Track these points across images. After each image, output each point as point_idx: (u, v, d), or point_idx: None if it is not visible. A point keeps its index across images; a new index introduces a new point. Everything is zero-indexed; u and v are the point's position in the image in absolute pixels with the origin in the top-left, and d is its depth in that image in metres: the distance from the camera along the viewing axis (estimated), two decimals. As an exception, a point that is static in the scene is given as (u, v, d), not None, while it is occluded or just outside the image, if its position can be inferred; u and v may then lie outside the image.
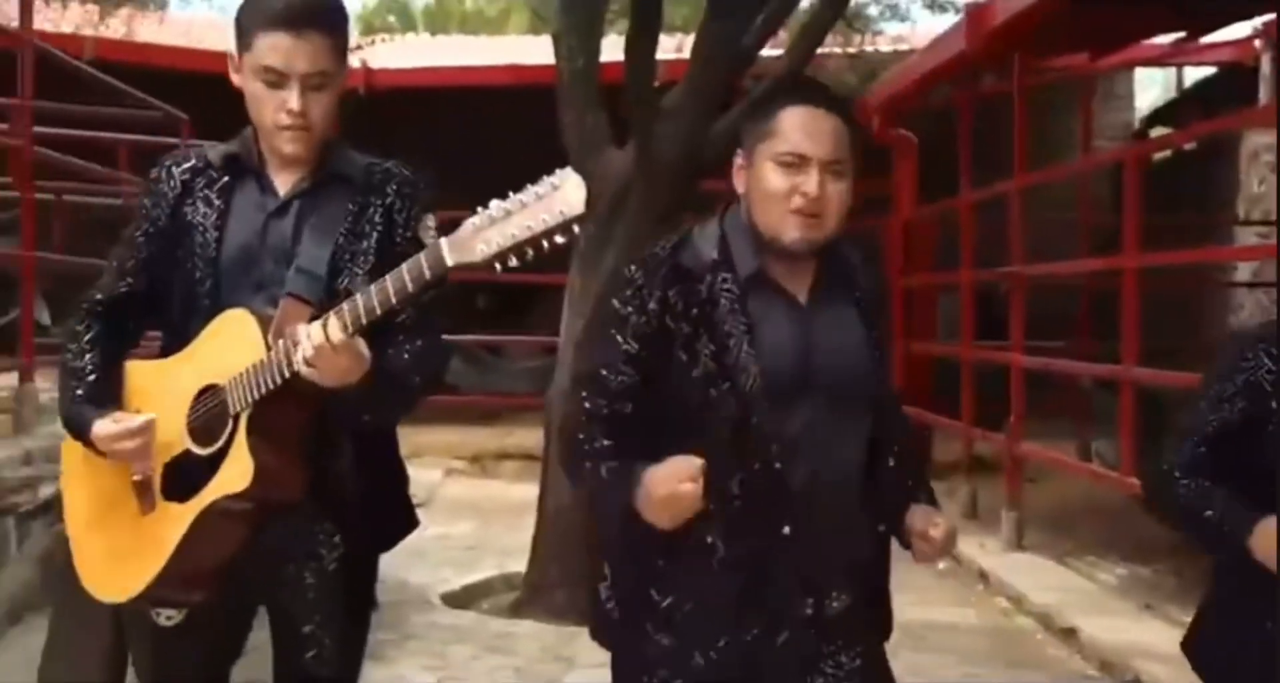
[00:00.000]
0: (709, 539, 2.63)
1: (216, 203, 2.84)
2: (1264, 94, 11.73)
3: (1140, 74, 15.89)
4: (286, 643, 2.94)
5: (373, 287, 2.50)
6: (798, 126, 2.63)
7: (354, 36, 14.31)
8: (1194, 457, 2.94)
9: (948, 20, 11.38)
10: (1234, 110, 11.99)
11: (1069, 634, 6.58)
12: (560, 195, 2.33)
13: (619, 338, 2.66)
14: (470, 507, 9.49)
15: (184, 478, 2.76)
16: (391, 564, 7.53)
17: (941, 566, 8.52)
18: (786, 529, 2.64)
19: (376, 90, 12.68)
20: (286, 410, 2.67)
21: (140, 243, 2.91)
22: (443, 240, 2.41)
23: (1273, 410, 2.87)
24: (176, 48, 12.91)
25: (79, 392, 2.85)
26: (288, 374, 2.59)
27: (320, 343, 2.52)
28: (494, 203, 2.37)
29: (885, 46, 12.42)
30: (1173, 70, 14.84)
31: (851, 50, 12.02)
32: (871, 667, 2.81)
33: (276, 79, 2.76)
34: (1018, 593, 7.38)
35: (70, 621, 4.03)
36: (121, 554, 2.85)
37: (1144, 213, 6.91)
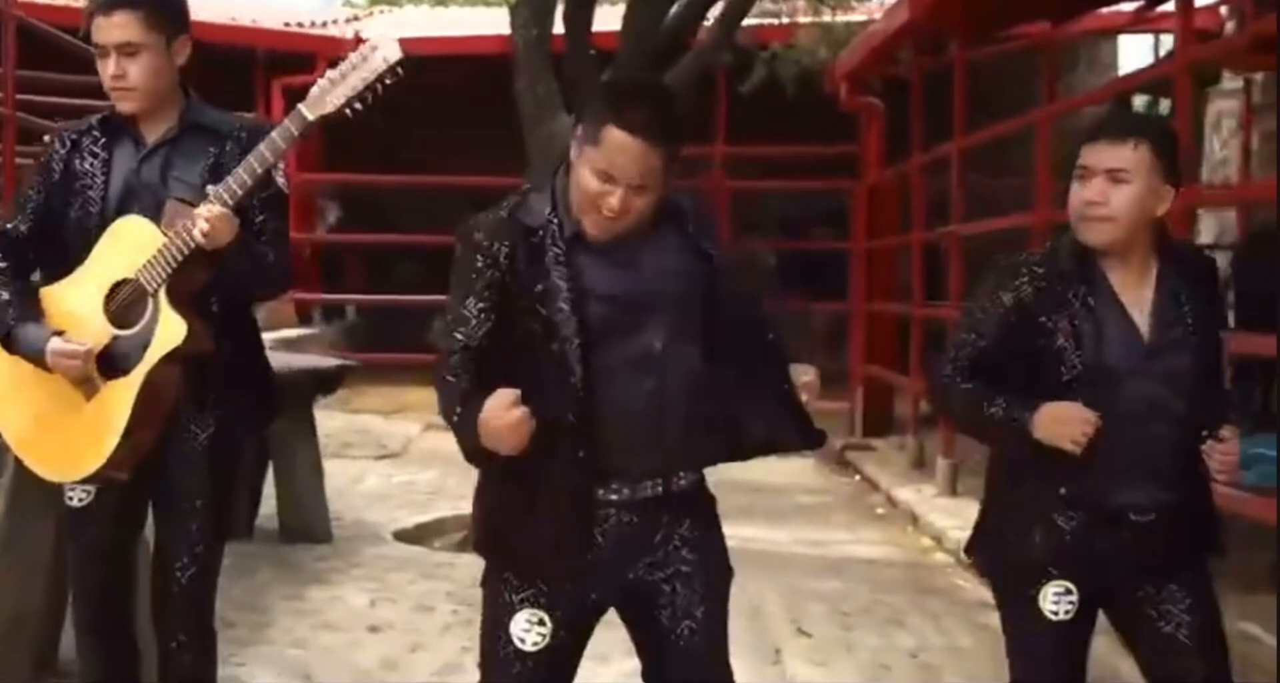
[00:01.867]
0: (544, 462, 2.95)
1: (101, 155, 3.55)
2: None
3: (1126, 41, 16.15)
4: (168, 515, 3.55)
5: (250, 156, 3.29)
6: (615, 150, 2.89)
7: (353, 9, 14.74)
8: (972, 365, 3.31)
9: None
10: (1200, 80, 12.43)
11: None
12: (379, 53, 3.23)
13: (471, 286, 2.98)
14: (440, 458, 9.95)
15: (112, 363, 3.40)
16: (353, 505, 8.23)
17: (879, 510, 9.01)
18: (618, 451, 2.97)
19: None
20: (191, 278, 3.36)
21: (37, 192, 3.60)
22: (300, 105, 3.27)
23: (1038, 323, 3.22)
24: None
25: (13, 313, 3.48)
26: (192, 246, 3.27)
27: (220, 211, 3.25)
28: (328, 71, 3.26)
29: (858, 17, 12.76)
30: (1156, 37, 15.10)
31: (824, 20, 12.36)
32: (712, 545, 3.13)
33: (100, 51, 3.49)
34: (938, 531, 7.83)
35: (18, 519, 4.52)
36: (77, 439, 3.45)
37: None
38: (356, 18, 14.54)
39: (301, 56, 13.88)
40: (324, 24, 14.57)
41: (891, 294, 11.63)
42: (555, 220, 2.99)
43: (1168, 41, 14.90)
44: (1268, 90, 10.85)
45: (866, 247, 11.65)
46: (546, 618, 3.01)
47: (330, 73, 3.26)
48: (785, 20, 12.50)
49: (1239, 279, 9.53)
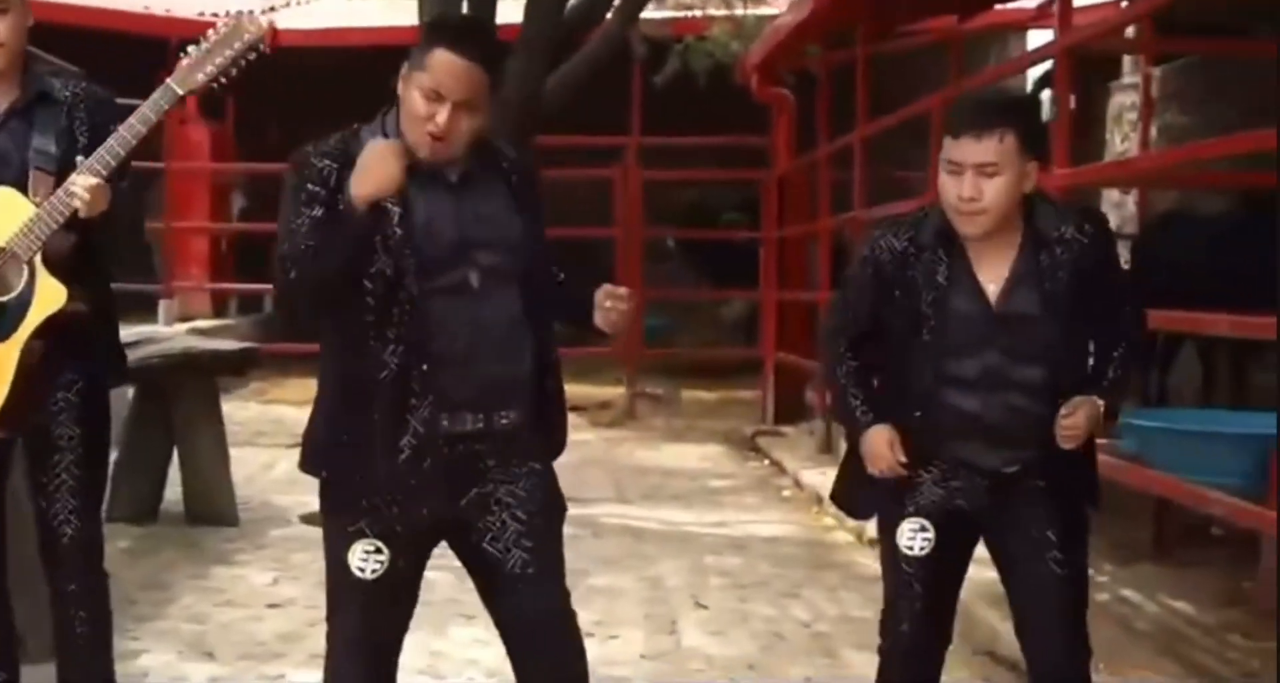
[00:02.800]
0: (372, 388, 3.12)
1: None
2: (1127, 60, 12.27)
3: (1037, 36, 16.32)
4: (44, 469, 3.64)
5: (121, 128, 3.42)
6: (442, 69, 3.08)
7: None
8: (852, 337, 3.49)
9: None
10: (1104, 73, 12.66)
11: (876, 544, 7.14)
12: (240, 25, 3.46)
13: (298, 204, 3.13)
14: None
15: None
16: (263, 490, 8.26)
17: (786, 493, 9.14)
18: (445, 374, 3.11)
19: (281, 50, 13.17)
20: (63, 245, 3.48)
21: None
22: (169, 80, 3.42)
23: (895, 294, 3.37)
24: (70, 5, 13.27)
25: None
26: (68, 214, 3.39)
27: (96, 182, 3.36)
28: (191, 47, 3.42)
29: (769, 9, 12.90)
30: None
31: (735, 13, 12.50)
32: (540, 481, 3.26)
33: None
34: (839, 512, 7.94)
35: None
36: None
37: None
38: (274, 8, 14.46)
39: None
40: (239, 14, 14.51)
41: (802, 283, 11.78)
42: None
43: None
44: (1166, 83, 11.05)
45: (777, 236, 11.77)
46: (383, 546, 3.13)
47: (196, 48, 3.39)
48: (698, 13, 12.62)
49: (1139, 267, 9.73)
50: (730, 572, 6.72)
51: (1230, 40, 9.84)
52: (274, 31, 12.10)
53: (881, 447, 3.37)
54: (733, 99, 12.47)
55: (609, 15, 7.76)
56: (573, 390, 12.68)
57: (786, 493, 9.11)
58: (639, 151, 13.03)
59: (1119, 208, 12.42)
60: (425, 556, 3.28)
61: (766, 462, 10.39)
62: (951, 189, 3.25)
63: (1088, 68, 13.52)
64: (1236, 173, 8.79)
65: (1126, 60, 12.41)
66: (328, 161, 3.12)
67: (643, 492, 9.01)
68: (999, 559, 3.49)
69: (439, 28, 3.31)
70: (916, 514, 3.39)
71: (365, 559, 3.13)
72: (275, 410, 11.79)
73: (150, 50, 12.95)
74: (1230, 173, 8.73)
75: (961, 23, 11.57)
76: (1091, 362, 3.41)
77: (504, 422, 3.17)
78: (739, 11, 12.55)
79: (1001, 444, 3.34)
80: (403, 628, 3.32)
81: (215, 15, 13.61)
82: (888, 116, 8.96)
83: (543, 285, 3.26)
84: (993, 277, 3.31)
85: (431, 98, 3.07)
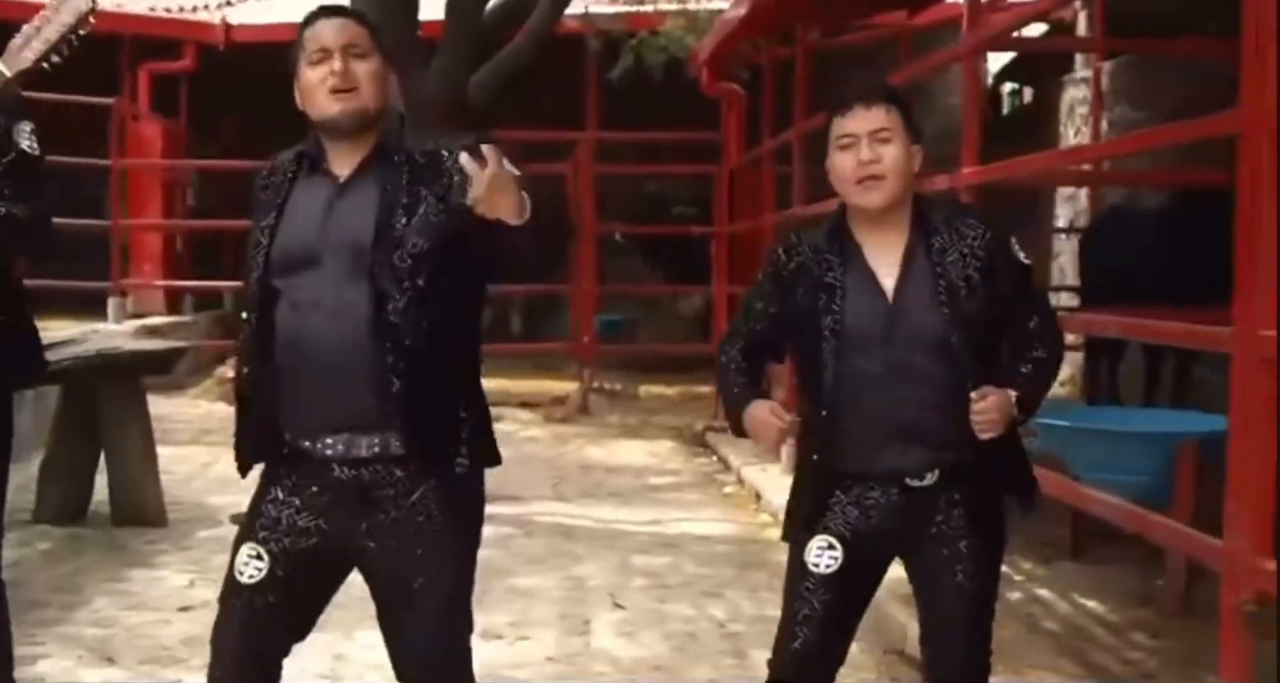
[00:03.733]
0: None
1: None
2: (1079, 56, 12.32)
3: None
4: None
5: None
6: (318, 31, 3.14)
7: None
8: (748, 347, 3.43)
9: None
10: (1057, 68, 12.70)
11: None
12: (70, 4, 3.46)
13: (253, 215, 3.20)
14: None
15: None
16: (197, 490, 8.22)
17: (728, 489, 9.14)
18: (304, 378, 3.06)
19: (234, 46, 13.31)
20: None
21: None
22: None
23: (797, 299, 3.31)
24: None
25: None
26: None
27: None
28: (24, 27, 3.42)
29: (721, 3, 12.89)
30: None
31: (688, 7, 12.49)
32: (446, 509, 3.16)
33: None
34: (776, 509, 7.94)
35: None
36: None
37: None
38: (229, 3, 14.47)
39: (169, 42, 13.84)
40: (194, 9, 14.50)
41: (753, 277, 11.74)
42: (305, 153, 3.20)
43: (1029, 30, 15.19)
44: (1116, 78, 11.06)
45: (728, 231, 11.78)
46: (264, 554, 3.11)
47: (25, 28, 3.40)
48: (650, 8, 12.62)
49: (1086, 260, 9.74)
50: (655, 571, 6.72)
51: (1173, 38, 9.85)
52: (227, 26, 11.99)
53: (763, 413, 3.26)
54: (690, 94, 12.48)
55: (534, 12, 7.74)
56: (527, 386, 12.74)
57: (728, 490, 9.11)
58: (594, 147, 12.99)
59: (1071, 201, 12.46)
60: (320, 577, 3.20)
61: (714, 458, 10.39)
62: (848, 161, 3.23)
63: (1044, 63, 13.68)
64: (1154, 171, 8.87)
65: (1079, 54, 12.46)
66: (276, 174, 3.21)
67: (583, 489, 9.00)
68: (910, 569, 3.42)
69: (303, 20, 3.27)
70: (827, 532, 3.32)
71: (247, 563, 3.12)
72: (223, 408, 11.75)
73: (102, 46, 12.98)
74: (1141, 171, 8.80)
75: (911, 18, 11.63)
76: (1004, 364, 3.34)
77: (374, 448, 3.08)
78: (692, 5, 12.52)
79: (914, 443, 3.26)
80: (280, 642, 3.23)
81: (168, 11, 13.53)
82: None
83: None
84: (887, 270, 3.28)
85: (318, 60, 3.11)
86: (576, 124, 13.43)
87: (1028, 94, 14.81)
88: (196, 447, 9.75)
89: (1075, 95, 12.45)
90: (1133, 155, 8.67)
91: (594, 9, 12.70)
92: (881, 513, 3.30)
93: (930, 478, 3.28)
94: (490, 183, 2.87)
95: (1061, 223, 12.46)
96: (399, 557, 3.12)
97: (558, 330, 13.95)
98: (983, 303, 3.24)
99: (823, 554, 3.32)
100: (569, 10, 12.31)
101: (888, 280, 3.28)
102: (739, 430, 3.37)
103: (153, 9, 14.16)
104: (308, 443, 3.08)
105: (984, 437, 3.18)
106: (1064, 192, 12.49)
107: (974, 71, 5.59)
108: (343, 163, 3.14)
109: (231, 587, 3.15)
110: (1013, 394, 3.21)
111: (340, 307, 3.02)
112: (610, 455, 10.46)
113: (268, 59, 14.34)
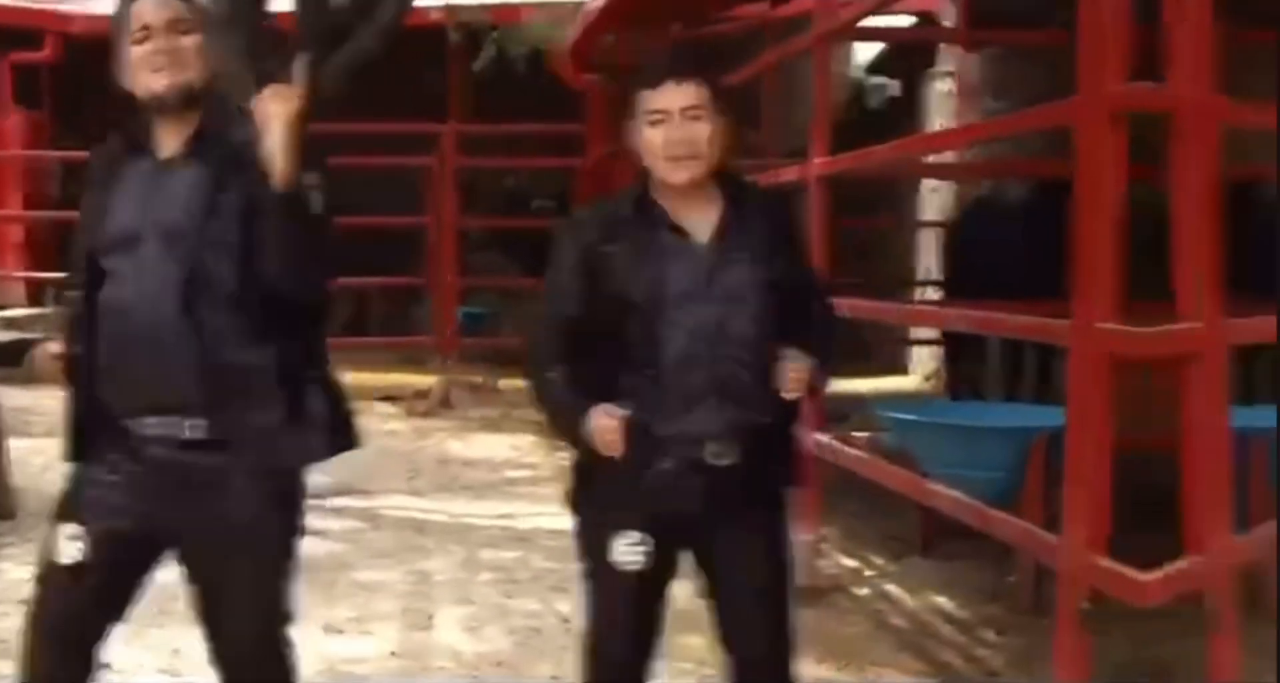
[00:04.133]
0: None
1: None
2: (943, 48, 12.36)
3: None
4: None
5: None
6: (140, 7, 3.06)
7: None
8: (551, 345, 3.32)
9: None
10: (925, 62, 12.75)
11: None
12: None
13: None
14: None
15: None
16: (50, 482, 7.75)
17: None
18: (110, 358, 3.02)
19: (102, 38, 12.94)
20: None
21: None
22: None
23: (603, 267, 3.23)
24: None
25: None
26: None
27: None
28: None
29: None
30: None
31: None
32: (256, 500, 3.09)
33: None
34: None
35: None
36: None
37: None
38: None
39: (30, 32, 13.50)
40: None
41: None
42: (131, 132, 3.15)
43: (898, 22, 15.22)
44: (981, 71, 11.12)
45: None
46: (81, 534, 3.05)
47: None
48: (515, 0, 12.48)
49: (950, 254, 9.77)
50: (504, 566, 6.59)
51: (1034, 30, 9.87)
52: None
53: (602, 420, 3.14)
54: (557, 86, 12.35)
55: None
56: (389, 379, 12.47)
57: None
58: (457, 139, 12.79)
59: (936, 193, 12.53)
60: (137, 559, 3.14)
61: (575, 452, 10.26)
62: (659, 136, 3.20)
63: (912, 57, 13.71)
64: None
65: (943, 48, 12.51)
66: (99, 160, 3.20)
67: (438, 483, 8.85)
68: (703, 556, 3.35)
69: None
70: (632, 526, 3.23)
71: (67, 544, 3.06)
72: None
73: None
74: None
75: (774, 8, 11.57)
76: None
77: (196, 431, 3.03)
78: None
79: (728, 400, 3.20)
80: (97, 625, 3.16)
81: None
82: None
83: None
84: (700, 232, 3.25)
85: (142, 37, 3.05)
86: (441, 117, 13.24)
87: (895, 88, 14.84)
88: (53, 439, 9.42)
89: (941, 89, 12.54)
90: (989, 145, 8.66)
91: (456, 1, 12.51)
92: (681, 497, 3.23)
93: (727, 460, 3.22)
94: (273, 95, 2.90)
95: (929, 217, 12.53)
96: (211, 545, 3.09)
97: (420, 324, 13.76)
98: (787, 268, 3.29)
99: (633, 550, 3.25)
100: (432, 1, 12.24)
101: (701, 241, 3.25)
102: (579, 444, 3.24)
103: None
104: (130, 423, 3.04)
105: (790, 396, 3.19)
106: (927, 183, 12.56)
107: (824, 61, 5.53)
108: (168, 142, 3.11)
109: (48, 568, 3.09)
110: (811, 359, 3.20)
111: (158, 288, 2.99)
112: (469, 449, 10.30)
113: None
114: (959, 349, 9.89)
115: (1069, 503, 3.55)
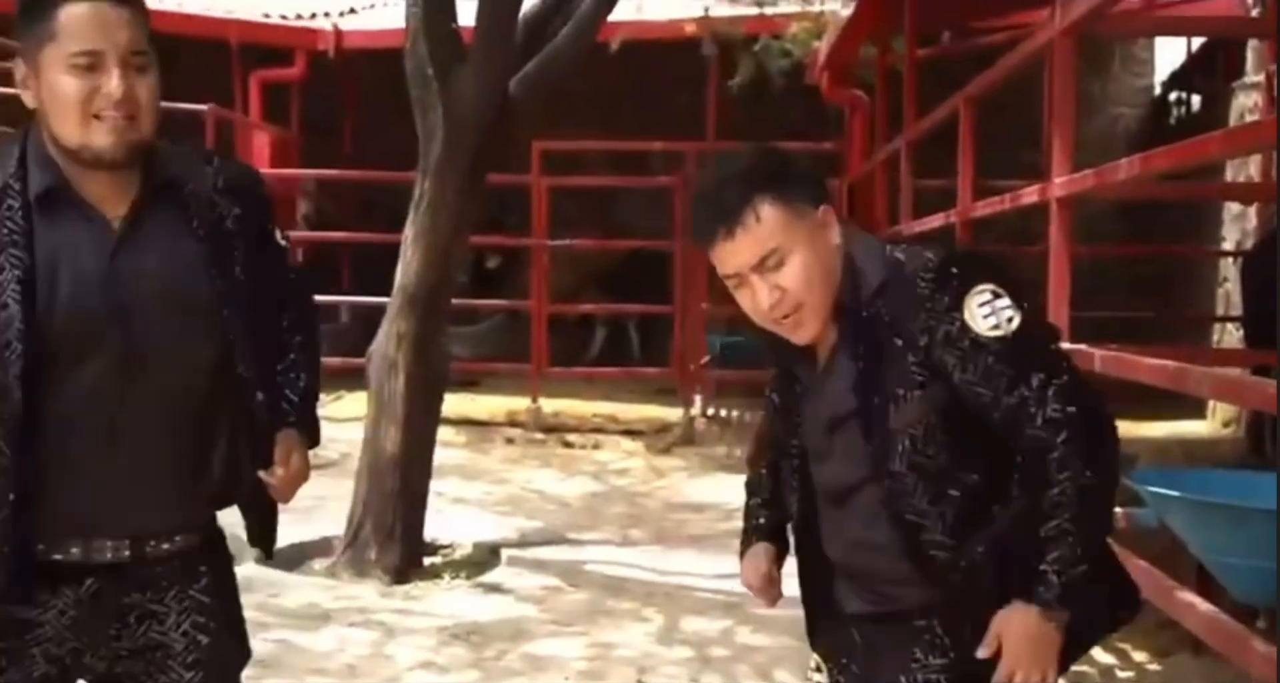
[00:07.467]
0: None
1: None
2: (1250, 58, 11.22)
3: (1162, 39, 15.23)
4: None
5: None
6: (79, 24, 2.34)
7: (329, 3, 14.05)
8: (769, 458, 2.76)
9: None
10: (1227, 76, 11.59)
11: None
12: None
13: None
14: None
15: None
16: None
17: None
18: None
19: (344, 52, 12.89)
20: None
21: None
22: None
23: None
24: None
25: None
26: None
27: None
28: None
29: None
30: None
31: (811, 9, 11.59)
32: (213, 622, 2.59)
33: None
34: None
35: None
36: None
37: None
38: (354, 10, 13.88)
39: (280, 50, 13.35)
40: (312, 16, 13.92)
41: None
42: (22, 175, 2.40)
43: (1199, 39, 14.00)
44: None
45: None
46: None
47: None
48: (770, 10, 11.77)
49: (1247, 287, 8.63)
50: (703, 639, 5.81)
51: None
52: (338, 32, 11.43)
53: (750, 574, 2.72)
54: (816, 102, 11.62)
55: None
56: (635, 412, 11.90)
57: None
58: (700, 159, 12.06)
59: (1239, 220, 11.32)
60: None
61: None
62: (748, 305, 2.44)
63: (1214, 69, 12.53)
64: None
65: (1250, 58, 11.34)
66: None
67: (657, 532, 8.05)
68: None
69: None
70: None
71: None
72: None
73: (212, 53, 12.53)
74: None
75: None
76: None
77: (164, 547, 2.50)
78: (816, 7, 11.60)
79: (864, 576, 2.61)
80: None
81: (284, 18, 12.99)
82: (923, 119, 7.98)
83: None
84: (831, 371, 2.51)
85: (84, 67, 2.33)
86: (699, 135, 12.60)
87: (1195, 103, 13.66)
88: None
89: (1245, 103, 11.33)
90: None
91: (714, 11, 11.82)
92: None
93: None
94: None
95: (1228, 246, 11.32)
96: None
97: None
98: (932, 401, 2.40)
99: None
100: (685, 12, 11.59)
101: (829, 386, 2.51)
102: None
103: (266, 16, 13.58)
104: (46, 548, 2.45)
105: None
106: (1232, 209, 11.37)
107: (1066, 60, 4.61)
108: (106, 199, 2.42)
109: None
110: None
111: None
112: (703, 492, 9.45)
113: (379, 65, 13.97)
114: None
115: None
